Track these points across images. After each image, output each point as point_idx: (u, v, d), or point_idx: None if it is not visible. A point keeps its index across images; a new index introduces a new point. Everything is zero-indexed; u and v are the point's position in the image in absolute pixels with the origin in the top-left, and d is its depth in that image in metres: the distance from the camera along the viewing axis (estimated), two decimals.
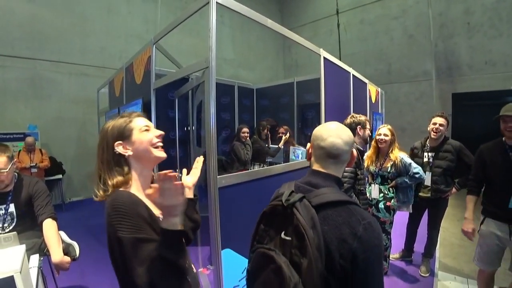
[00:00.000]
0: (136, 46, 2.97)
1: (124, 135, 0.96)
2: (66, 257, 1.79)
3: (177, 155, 2.79)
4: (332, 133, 0.94)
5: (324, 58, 2.77)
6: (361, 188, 2.16)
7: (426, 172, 2.66)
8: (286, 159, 3.42)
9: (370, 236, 0.76)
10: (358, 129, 2.26)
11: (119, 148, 0.94)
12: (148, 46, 2.56)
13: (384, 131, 2.60)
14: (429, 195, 2.72)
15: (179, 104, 2.76)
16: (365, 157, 2.69)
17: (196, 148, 2.71)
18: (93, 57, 5.99)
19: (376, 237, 0.78)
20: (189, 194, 1.10)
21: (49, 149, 5.33)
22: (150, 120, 2.48)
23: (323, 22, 9.22)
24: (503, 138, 1.95)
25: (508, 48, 6.54)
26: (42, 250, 1.93)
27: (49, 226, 1.91)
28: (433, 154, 2.69)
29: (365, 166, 2.61)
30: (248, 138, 3.66)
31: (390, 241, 2.73)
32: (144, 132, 0.98)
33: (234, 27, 8.69)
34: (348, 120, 2.32)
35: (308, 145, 1.03)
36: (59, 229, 2.00)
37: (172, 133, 3.33)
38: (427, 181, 2.68)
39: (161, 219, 0.84)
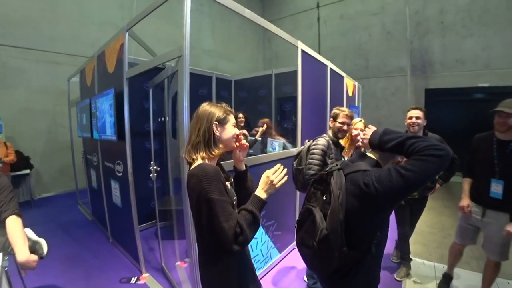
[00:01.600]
0: (110, 34, 2.82)
1: (221, 121, 1.21)
2: (32, 255, 1.69)
3: (152, 147, 2.71)
4: None
5: (302, 50, 2.77)
6: None
7: None
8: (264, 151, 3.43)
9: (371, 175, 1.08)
10: (330, 121, 2.30)
11: (214, 126, 1.19)
12: (121, 34, 2.45)
13: (360, 126, 2.63)
14: (413, 194, 2.52)
15: (154, 95, 2.67)
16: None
17: (172, 140, 2.65)
18: (64, 45, 5.65)
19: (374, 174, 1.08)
20: (242, 166, 1.36)
21: (15, 142, 5.00)
22: (123, 111, 2.41)
23: (303, 15, 9.24)
24: (495, 131, 2.07)
25: (477, 47, 6.89)
26: (6, 249, 1.82)
27: (13, 223, 1.79)
28: None
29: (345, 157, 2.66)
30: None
31: None
32: (233, 127, 1.27)
33: (213, 16, 8.50)
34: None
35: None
36: (25, 226, 1.88)
37: (147, 124, 3.23)
38: None
39: (229, 188, 1.22)
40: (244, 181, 1.36)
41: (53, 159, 5.66)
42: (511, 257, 2.16)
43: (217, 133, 1.20)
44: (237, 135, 1.27)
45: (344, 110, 2.26)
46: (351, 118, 2.28)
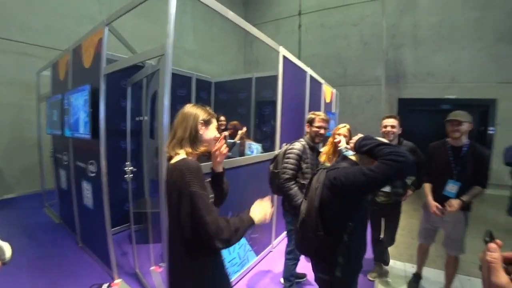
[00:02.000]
0: (87, 27, 2.70)
1: (206, 121, 1.31)
2: None
3: (128, 147, 2.62)
4: None
5: (283, 56, 2.81)
6: (304, 182, 2.20)
7: None
8: (242, 154, 3.42)
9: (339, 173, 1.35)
10: (306, 126, 2.34)
11: (199, 125, 1.28)
12: (100, 28, 2.35)
13: (343, 131, 2.67)
14: (386, 200, 2.60)
15: (132, 93, 2.59)
16: (322, 153, 2.76)
17: (150, 140, 2.57)
18: (36, 36, 5.31)
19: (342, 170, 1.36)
20: (220, 168, 1.41)
21: None
22: (98, 108, 2.31)
23: (285, 21, 9.38)
24: (447, 139, 2.34)
25: (445, 62, 7.37)
26: None
27: None
28: None
29: (322, 162, 2.69)
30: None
31: None
32: (215, 129, 1.37)
33: (196, 17, 8.41)
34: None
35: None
36: None
37: (123, 123, 3.12)
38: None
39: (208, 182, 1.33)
40: (220, 182, 1.42)
41: (17, 157, 5.28)
42: (470, 256, 2.39)
43: (201, 132, 1.28)
44: (218, 138, 1.34)
45: (320, 114, 2.31)
46: (327, 122, 2.34)
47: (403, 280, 2.79)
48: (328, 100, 5.04)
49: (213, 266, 1.28)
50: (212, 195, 1.30)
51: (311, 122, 2.29)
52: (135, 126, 3.16)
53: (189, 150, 1.24)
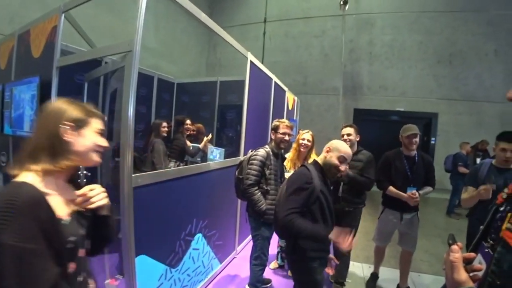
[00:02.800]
0: (35, 11, 2.42)
1: (77, 123, 0.89)
2: None
3: None
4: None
5: (251, 61, 2.82)
6: (268, 188, 2.25)
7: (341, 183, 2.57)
8: (204, 159, 3.33)
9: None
10: (271, 133, 2.38)
11: (63, 129, 0.85)
12: (55, 14, 2.12)
13: (307, 136, 2.74)
14: (343, 206, 2.58)
15: (88, 90, 2.37)
16: (286, 160, 2.80)
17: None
18: None
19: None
20: (102, 210, 0.97)
21: None
22: None
23: (251, 27, 9.46)
24: (401, 149, 2.60)
25: (396, 77, 8.10)
26: None
27: None
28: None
29: (288, 169, 2.72)
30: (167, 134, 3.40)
31: None
32: (96, 134, 0.93)
33: (159, 14, 8.05)
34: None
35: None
36: None
37: None
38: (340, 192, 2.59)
39: (63, 222, 0.81)
40: (101, 228, 0.98)
41: None
42: (419, 254, 2.80)
43: (69, 139, 0.86)
44: (101, 146, 0.93)
45: (284, 121, 2.36)
46: (291, 128, 2.39)
47: (362, 280, 2.96)
48: (290, 107, 5.17)
49: None
50: (73, 238, 0.83)
51: (276, 129, 2.33)
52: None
53: (47, 166, 0.81)
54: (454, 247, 0.68)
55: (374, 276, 2.89)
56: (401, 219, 2.57)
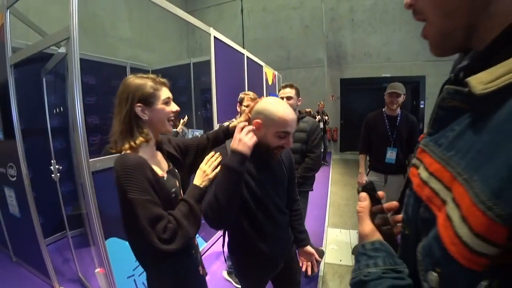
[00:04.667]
0: None
1: (147, 100, 1.00)
2: None
3: (51, 145, 2.37)
4: None
5: (215, 37, 2.74)
6: None
7: None
8: None
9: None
10: (237, 106, 2.33)
11: (138, 110, 0.98)
12: (0, 12, 2.05)
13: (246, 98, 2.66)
14: None
15: (49, 84, 2.32)
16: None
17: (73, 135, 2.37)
18: None
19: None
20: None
21: None
22: (10, 106, 2.05)
23: (227, 6, 9.18)
24: (383, 109, 2.53)
25: (380, 43, 7.91)
26: None
27: None
28: None
29: None
30: None
31: None
32: (166, 104, 1.05)
33: (130, 3, 7.81)
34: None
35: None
36: None
37: (52, 120, 2.80)
38: None
39: (165, 178, 1.02)
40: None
41: None
42: None
43: (145, 117, 0.99)
44: (173, 113, 1.06)
45: (249, 93, 2.29)
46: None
47: (348, 245, 3.03)
48: (270, 83, 5.10)
49: (181, 271, 1.08)
50: (174, 189, 1.06)
51: (241, 101, 2.29)
52: (60, 122, 2.88)
53: (127, 146, 0.96)
54: (361, 194, 0.60)
55: None
56: (386, 181, 2.54)
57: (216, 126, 2.78)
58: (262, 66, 4.56)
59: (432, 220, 0.38)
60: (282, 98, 2.17)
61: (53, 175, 2.28)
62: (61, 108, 2.87)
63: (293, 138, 1.99)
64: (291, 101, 2.16)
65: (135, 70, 4.69)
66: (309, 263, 1.39)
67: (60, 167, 2.29)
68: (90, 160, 1.53)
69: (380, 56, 7.98)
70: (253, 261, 1.26)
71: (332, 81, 8.25)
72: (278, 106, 1.10)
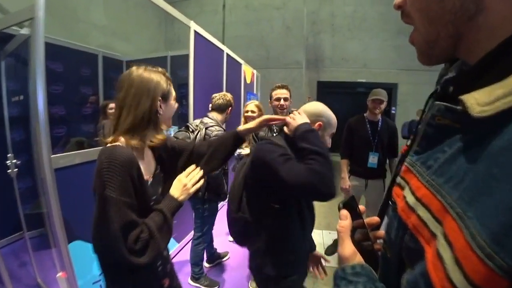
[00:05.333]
0: None
1: (165, 96, 1.00)
2: None
3: (8, 136, 2.16)
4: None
5: (195, 31, 2.65)
6: (225, 168, 2.25)
7: None
8: None
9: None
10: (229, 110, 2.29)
11: (159, 105, 0.97)
12: None
13: (251, 107, 2.60)
14: None
15: (8, 68, 2.11)
16: None
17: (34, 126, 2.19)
18: None
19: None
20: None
21: None
22: None
23: (209, 0, 9.00)
24: (365, 114, 2.58)
25: (358, 49, 8.15)
26: None
27: None
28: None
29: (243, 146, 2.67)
30: None
31: None
32: (175, 100, 1.08)
33: None
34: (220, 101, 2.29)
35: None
36: None
37: (10, 109, 2.55)
38: None
39: (149, 183, 0.97)
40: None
41: None
42: None
43: (161, 112, 0.99)
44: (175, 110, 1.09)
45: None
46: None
47: (321, 246, 3.06)
48: (248, 81, 5.03)
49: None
50: (154, 197, 1.00)
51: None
52: (23, 111, 2.64)
53: (136, 142, 0.91)
54: (342, 212, 0.55)
55: (336, 242, 2.96)
56: (366, 186, 2.58)
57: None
58: (241, 64, 4.49)
59: (419, 252, 0.35)
60: (279, 99, 2.14)
61: (9, 170, 2.08)
62: (22, 96, 2.64)
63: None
64: (287, 102, 2.17)
65: (108, 60, 4.44)
66: (319, 267, 1.43)
67: (19, 162, 2.09)
68: (53, 156, 1.40)
69: (357, 62, 8.20)
70: (298, 257, 1.26)
71: (310, 83, 8.37)
72: (330, 111, 1.27)
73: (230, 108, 2.30)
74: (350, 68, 8.23)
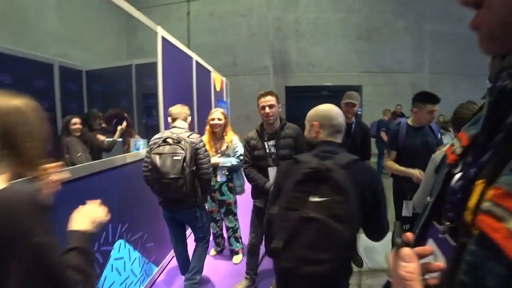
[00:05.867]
0: None
1: None
2: None
3: None
4: (339, 113, 1.32)
5: (163, 38, 2.51)
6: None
7: (269, 168, 2.10)
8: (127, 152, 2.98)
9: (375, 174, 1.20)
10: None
11: None
12: None
13: (217, 115, 2.59)
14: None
15: None
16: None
17: None
18: None
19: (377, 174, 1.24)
20: None
21: None
22: None
23: (174, 7, 8.82)
24: None
25: (322, 54, 8.46)
26: None
27: None
28: (274, 142, 2.14)
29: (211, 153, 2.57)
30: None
31: (238, 221, 2.82)
32: None
33: None
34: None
35: (314, 123, 1.30)
36: None
37: None
38: (271, 177, 2.08)
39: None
40: None
41: None
42: None
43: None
44: None
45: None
46: None
47: None
48: (218, 89, 4.94)
49: None
50: None
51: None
52: None
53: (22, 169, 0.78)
54: (405, 252, 0.42)
55: None
56: None
57: None
58: (210, 72, 4.39)
59: None
60: (264, 107, 2.06)
61: None
62: None
63: (280, 145, 2.08)
64: (274, 109, 2.05)
65: (65, 69, 4.09)
66: None
67: None
68: None
69: (322, 66, 8.51)
70: None
71: (278, 88, 8.47)
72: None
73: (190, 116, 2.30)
74: (316, 72, 8.51)
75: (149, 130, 3.80)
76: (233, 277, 2.56)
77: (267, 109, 2.03)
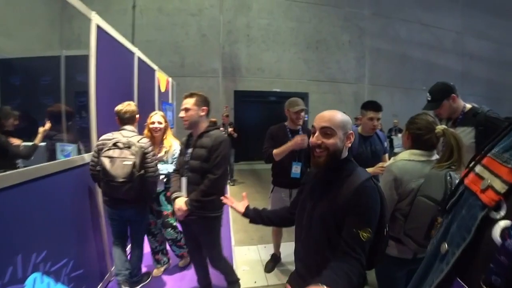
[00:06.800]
0: None
1: None
2: None
3: None
4: None
5: (98, 26, 2.19)
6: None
7: (182, 178, 1.93)
8: (52, 158, 2.56)
9: None
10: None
11: None
12: None
13: (157, 118, 2.42)
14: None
15: None
16: None
17: None
18: None
19: None
20: None
21: None
22: None
23: None
24: (285, 123, 2.53)
25: (272, 60, 8.67)
26: None
27: None
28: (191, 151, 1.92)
29: None
30: None
31: (180, 233, 2.56)
32: None
33: None
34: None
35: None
36: None
37: None
38: (183, 188, 1.92)
39: None
40: None
41: None
42: None
43: None
44: None
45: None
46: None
47: (260, 264, 2.84)
48: (163, 90, 4.61)
49: None
50: None
51: None
52: None
53: None
54: None
55: (274, 257, 2.82)
56: (290, 195, 2.48)
57: (94, 140, 2.14)
58: (155, 70, 4.08)
59: None
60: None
61: None
62: None
63: (194, 155, 1.86)
64: (189, 113, 1.84)
65: None
66: None
67: None
68: None
69: (272, 72, 8.69)
70: None
71: (226, 92, 8.41)
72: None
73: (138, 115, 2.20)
74: (265, 78, 8.65)
75: (80, 133, 3.23)
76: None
77: (181, 113, 1.85)
